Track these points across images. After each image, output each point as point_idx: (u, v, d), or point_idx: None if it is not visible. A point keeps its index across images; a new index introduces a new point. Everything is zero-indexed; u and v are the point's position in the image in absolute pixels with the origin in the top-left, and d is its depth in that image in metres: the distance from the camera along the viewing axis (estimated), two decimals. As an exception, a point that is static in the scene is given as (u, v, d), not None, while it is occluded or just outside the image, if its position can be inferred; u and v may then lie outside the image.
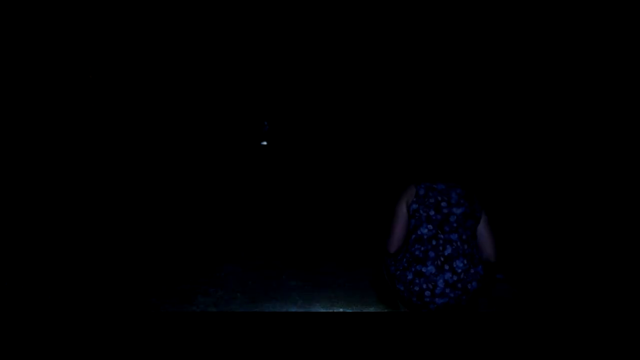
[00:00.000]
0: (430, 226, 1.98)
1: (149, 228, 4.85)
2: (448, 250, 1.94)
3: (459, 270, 1.92)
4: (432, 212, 1.99)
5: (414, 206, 2.02)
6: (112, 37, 5.37)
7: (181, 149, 6.90)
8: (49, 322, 1.50)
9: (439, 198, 2.02)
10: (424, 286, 1.92)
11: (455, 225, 1.98)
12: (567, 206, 4.76)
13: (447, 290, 1.91)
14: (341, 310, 2.92)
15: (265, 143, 8.26)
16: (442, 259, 1.93)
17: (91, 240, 4.21)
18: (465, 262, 1.94)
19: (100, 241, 4.22)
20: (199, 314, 2.28)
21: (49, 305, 2.84)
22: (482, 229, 2.05)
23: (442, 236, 1.96)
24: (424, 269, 1.93)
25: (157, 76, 6.29)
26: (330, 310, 2.90)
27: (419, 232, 1.98)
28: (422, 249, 1.96)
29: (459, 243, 1.96)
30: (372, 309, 2.93)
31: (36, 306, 2.83)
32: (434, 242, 1.96)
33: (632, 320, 1.58)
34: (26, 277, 3.26)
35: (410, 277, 1.94)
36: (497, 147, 5.62)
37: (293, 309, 2.91)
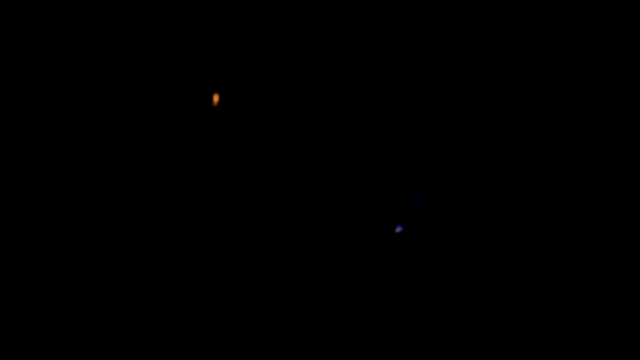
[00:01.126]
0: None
1: (148, 228, 4.84)
2: None
3: None
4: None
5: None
6: (108, 36, 5.38)
7: (179, 148, 6.90)
8: (49, 322, 1.51)
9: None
10: None
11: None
12: (566, 205, 4.77)
13: None
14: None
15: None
16: None
17: (91, 240, 4.21)
18: None
19: (100, 241, 4.22)
20: (198, 313, 2.28)
21: (49, 305, 2.84)
22: None
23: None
24: None
25: (154, 75, 6.30)
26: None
27: None
28: None
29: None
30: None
31: (36, 306, 2.83)
32: None
33: (632, 320, 1.58)
34: (26, 276, 3.26)
35: None
36: (493, 147, 5.64)
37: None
